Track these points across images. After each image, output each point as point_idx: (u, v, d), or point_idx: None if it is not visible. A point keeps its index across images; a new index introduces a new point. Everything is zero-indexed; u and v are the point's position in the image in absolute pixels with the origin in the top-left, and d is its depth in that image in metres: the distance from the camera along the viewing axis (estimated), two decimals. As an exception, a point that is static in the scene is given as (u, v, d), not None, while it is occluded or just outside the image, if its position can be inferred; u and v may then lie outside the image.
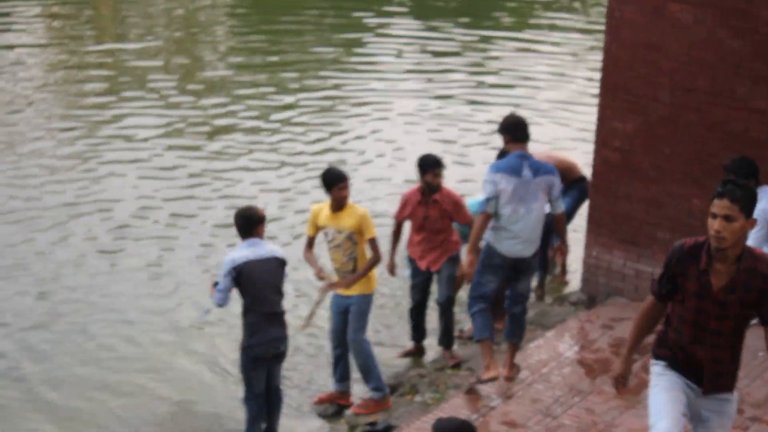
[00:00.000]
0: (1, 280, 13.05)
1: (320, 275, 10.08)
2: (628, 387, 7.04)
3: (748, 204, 6.17)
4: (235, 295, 9.43)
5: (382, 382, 10.20)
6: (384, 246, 10.57)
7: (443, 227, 10.75)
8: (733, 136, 10.52)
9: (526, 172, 9.33)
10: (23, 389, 10.94)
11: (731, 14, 10.30)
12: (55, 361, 11.45)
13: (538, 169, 9.37)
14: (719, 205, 6.16)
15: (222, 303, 9.37)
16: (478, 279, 9.64)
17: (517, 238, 9.43)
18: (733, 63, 10.39)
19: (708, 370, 6.58)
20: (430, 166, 10.61)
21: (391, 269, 11.21)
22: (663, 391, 6.69)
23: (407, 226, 11.12)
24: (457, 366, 10.74)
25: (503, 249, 9.46)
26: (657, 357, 6.79)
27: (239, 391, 9.82)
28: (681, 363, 6.67)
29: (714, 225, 6.18)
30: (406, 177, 16.19)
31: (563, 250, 9.99)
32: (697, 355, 6.58)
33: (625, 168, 11.21)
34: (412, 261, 11.06)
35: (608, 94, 11.21)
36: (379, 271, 10.92)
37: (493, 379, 9.59)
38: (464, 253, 10.17)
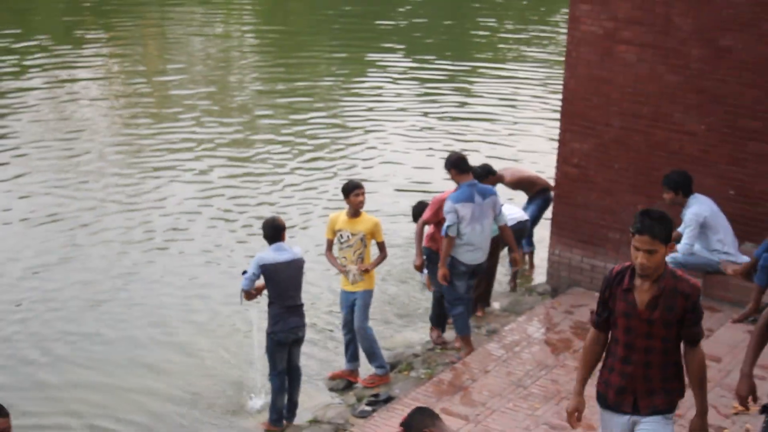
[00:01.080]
0: (61, 269, 13.45)
1: (344, 270, 10.30)
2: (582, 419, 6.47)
3: (666, 234, 5.78)
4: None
5: (384, 361, 10.43)
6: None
7: None
8: (672, 153, 10.73)
9: (477, 198, 9.99)
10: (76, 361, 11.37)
11: (668, 53, 10.53)
12: (97, 339, 11.82)
13: (485, 192, 10.14)
14: (641, 241, 5.78)
15: (247, 288, 9.61)
16: (451, 285, 10.24)
17: (478, 250, 10.15)
18: (671, 93, 10.60)
19: (641, 390, 6.09)
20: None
21: (421, 267, 10.70)
22: None
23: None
24: (443, 345, 10.97)
25: (467, 260, 10.13)
26: (597, 392, 6.36)
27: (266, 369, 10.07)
28: (614, 392, 6.17)
29: (639, 259, 5.80)
30: (398, 185, 16.58)
31: (517, 260, 10.63)
32: (628, 374, 6.08)
33: (583, 181, 11.35)
34: (436, 255, 10.60)
35: (567, 120, 11.35)
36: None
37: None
38: None
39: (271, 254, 9.53)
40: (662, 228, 5.77)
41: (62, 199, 15.74)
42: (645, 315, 5.94)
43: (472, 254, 10.12)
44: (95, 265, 13.60)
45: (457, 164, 10.08)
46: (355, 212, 10.16)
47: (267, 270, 9.49)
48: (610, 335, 6.23)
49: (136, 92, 22.06)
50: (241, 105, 21.40)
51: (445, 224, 9.97)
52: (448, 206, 9.96)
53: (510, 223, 11.16)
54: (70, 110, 20.61)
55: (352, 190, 10.10)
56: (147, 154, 18.06)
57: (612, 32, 10.79)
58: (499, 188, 11.96)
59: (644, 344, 6.01)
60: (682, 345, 6.09)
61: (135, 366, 11.21)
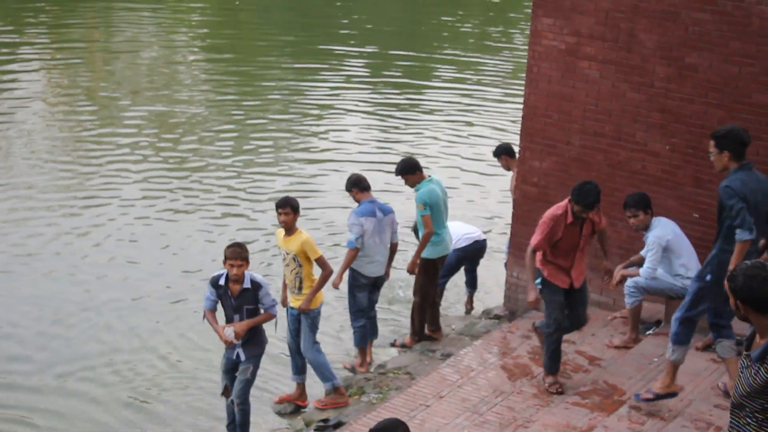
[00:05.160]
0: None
1: (283, 302, 10.43)
2: None
3: None
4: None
5: (335, 378, 10.35)
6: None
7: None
8: (633, 173, 10.75)
9: (378, 213, 10.80)
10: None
11: (631, 70, 10.56)
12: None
13: (384, 209, 11.07)
14: None
15: (206, 307, 9.50)
16: (353, 297, 11.09)
17: (377, 262, 11.05)
18: (633, 112, 10.63)
19: None
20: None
21: (536, 303, 9.44)
22: None
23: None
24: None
25: (367, 272, 11.05)
26: None
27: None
28: None
29: None
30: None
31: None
32: None
33: (542, 200, 11.28)
34: (547, 280, 9.49)
35: (527, 138, 11.36)
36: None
37: (364, 372, 11.07)
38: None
39: (217, 272, 9.51)
40: None
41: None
42: None
43: (372, 266, 10.99)
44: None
45: (357, 184, 11.07)
46: (288, 230, 10.11)
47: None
48: None
49: (78, 108, 21.97)
50: (188, 120, 21.45)
51: (351, 237, 10.81)
52: (353, 219, 10.86)
53: (466, 243, 11.70)
54: (7, 109, 20.49)
55: (276, 209, 10.13)
56: (90, 155, 18.22)
57: (574, 48, 10.84)
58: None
59: None
60: None
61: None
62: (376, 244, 10.90)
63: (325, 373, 10.32)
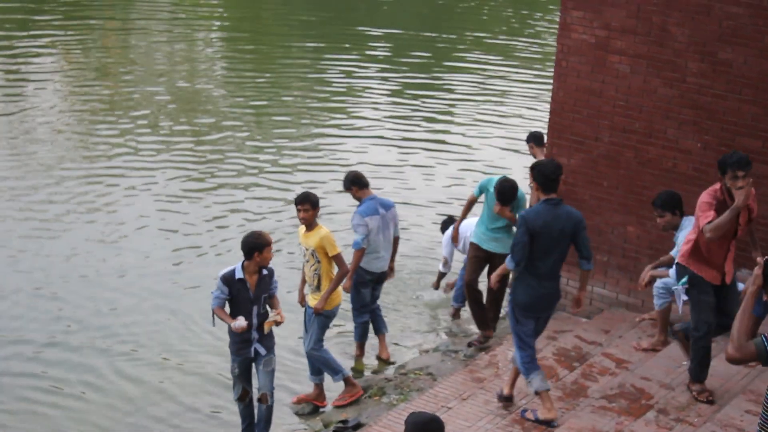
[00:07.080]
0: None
1: (301, 302, 10.60)
2: None
3: None
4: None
5: (343, 370, 10.39)
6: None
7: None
8: (664, 171, 10.69)
9: (381, 210, 10.85)
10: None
11: (663, 65, 10.50)
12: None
13: (386, 205, 11.14)
14: None
15: (215, 305, 9.42)
16: (357, 294, 11.18)
17: (382, 258, 11.17)
18: (665, 108, 10.57)
19: None
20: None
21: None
22: None
23: None
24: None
25: (373, 268, 11.16)
26: None
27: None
28: None
29: None
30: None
31: (393, 270, 11.55)
32: None
33: (570, 199, 11.12)
34: (698, 277, 9.02)
35: (555, 134, 11.31)
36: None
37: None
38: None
39: (230, 269, 9.47)
40: None
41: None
42: None
43: (378, 262, 11.11)
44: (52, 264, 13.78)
45: (356, 181, 11.01)
46: (308, 225, 10.13)
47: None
48: None
49: (92, 100, 21.95)
50: (206, 82, 21.63)
51: (357, 238, 10.78)
52: (357, 220, 10.83)
53: None
54: (22, 88, 20.55)
55: (296, 205, 10.15)
56: (105, 133, 18.40)
57: (604, 41, 10.77)
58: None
59: None
60: None
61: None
62: (380, 240, 11.01)
63: (332, 367, 10.37)
